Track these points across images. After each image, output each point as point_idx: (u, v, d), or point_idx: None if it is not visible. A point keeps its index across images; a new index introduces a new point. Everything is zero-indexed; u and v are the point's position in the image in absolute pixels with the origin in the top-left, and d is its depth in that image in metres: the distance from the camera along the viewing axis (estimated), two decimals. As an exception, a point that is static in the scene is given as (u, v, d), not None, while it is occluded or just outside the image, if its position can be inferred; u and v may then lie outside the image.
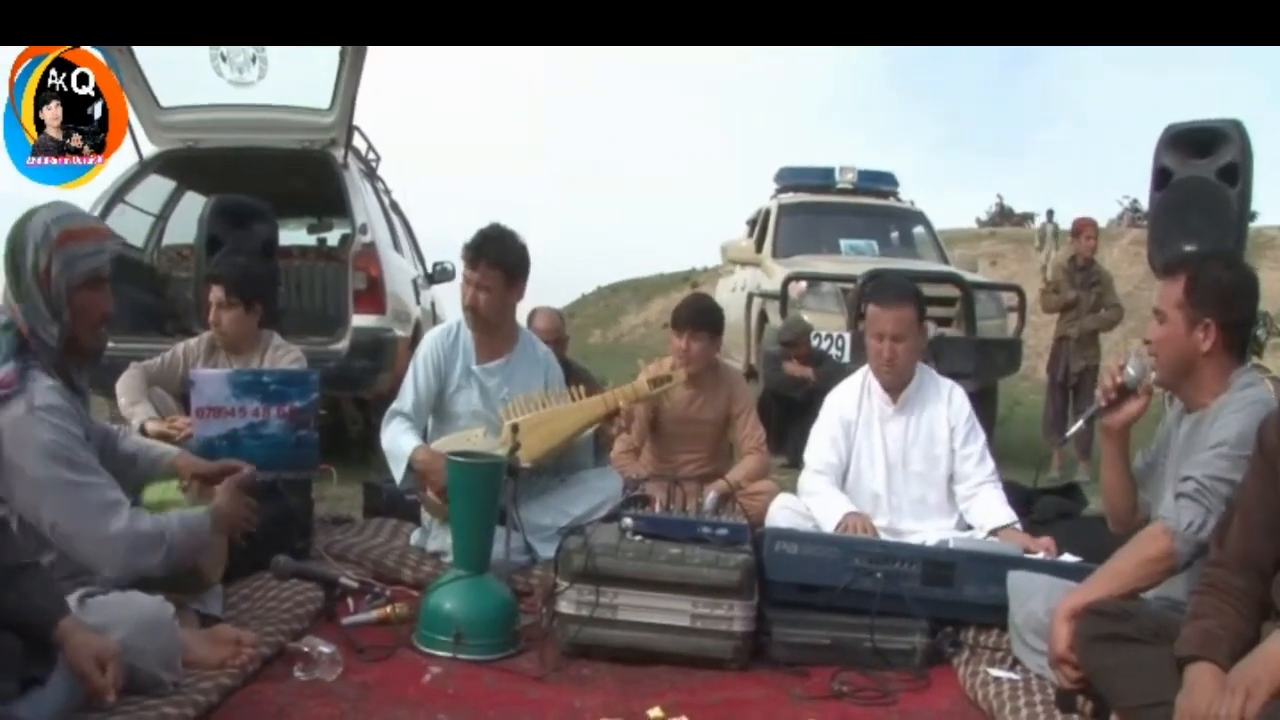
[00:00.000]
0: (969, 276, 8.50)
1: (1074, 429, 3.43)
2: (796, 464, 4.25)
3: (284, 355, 4.40)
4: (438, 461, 3.64)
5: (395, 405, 3.97)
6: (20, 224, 2.56)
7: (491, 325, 3.99)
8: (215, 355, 4.43)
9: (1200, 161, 5.16)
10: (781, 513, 3.75)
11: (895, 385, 3.84)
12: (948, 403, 3.86)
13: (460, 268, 4.04)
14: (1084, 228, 8.02)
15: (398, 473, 3.85)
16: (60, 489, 2.41)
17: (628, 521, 3.20)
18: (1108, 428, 2.88)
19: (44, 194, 4.81)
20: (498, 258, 3.89)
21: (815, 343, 7.49)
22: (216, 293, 4.32)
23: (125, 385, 4.25)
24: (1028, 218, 33.23)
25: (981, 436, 3.87)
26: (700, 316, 4.60)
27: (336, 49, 5.88)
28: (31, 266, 2.50)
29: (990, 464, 3.83)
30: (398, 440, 3.85)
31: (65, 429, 2.45)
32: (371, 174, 7.47)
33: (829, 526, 3.57)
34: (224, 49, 6.03)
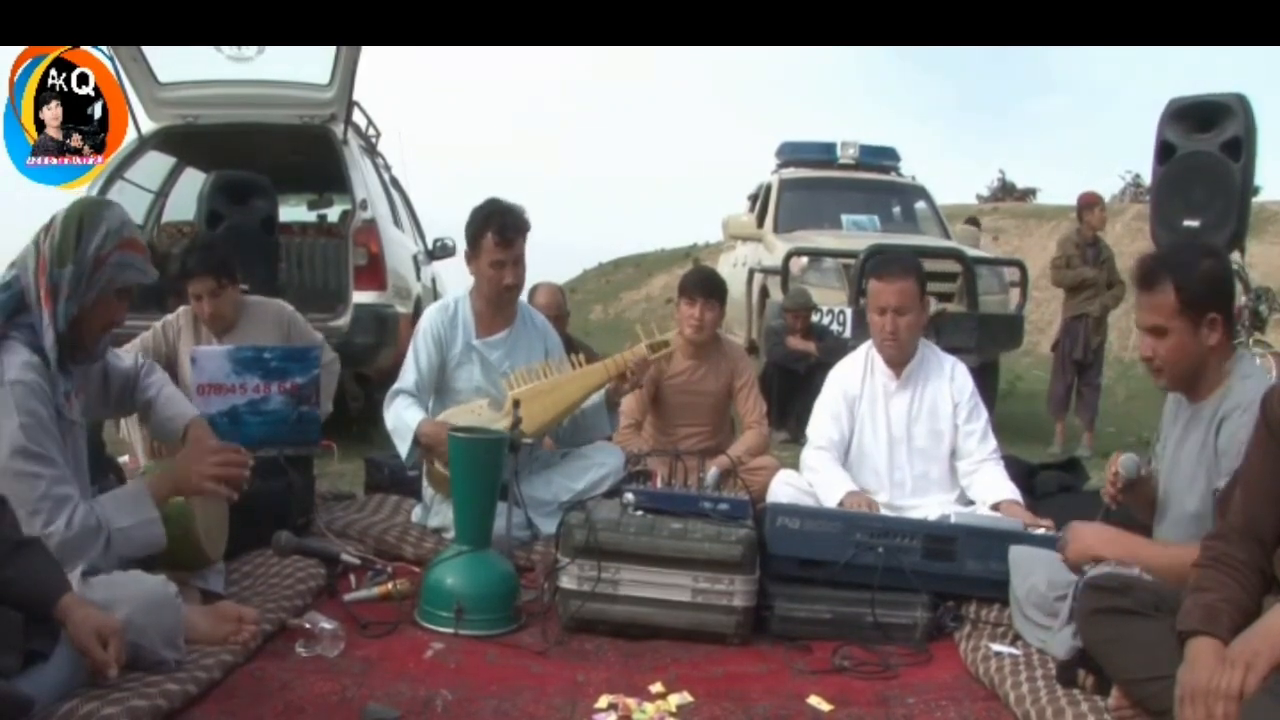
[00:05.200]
0: (971, 251, 8.48)
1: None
2: (798, 439, 4.25)
3: (303, 329, 4.48)
4: (443, 433, 3.62)
5: (397, 384, 3.94)
6: (98, 205, 2.62)
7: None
8: (201, 326, 4.41)
9: (1203, 136, 5.15)
10: (783, 488, 3.75)
11: (898, 360, 3.83)
12: (950, 378, 3.86)
13: (456, 246, 4.01)
14: (1093, 202, 7.91)
15: (403, 448, 3.81)
16: (7, 477, 2.37)
17: (629, 496, 3.20)
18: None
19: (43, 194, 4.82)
20: (524, 226, 3.91)
21: (817, 318, 7.50)
22: (203, 285, 4.24)
23: None
24: (1029, 193, 33.13)
25: (984, 413, 3.87)
26: (713, 286, 4.68)
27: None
28: (96, 246, 2.52)
29: (992, 442, 3.83)
30: (402, 416, 3.82)
31: (32, 409, 2.42)
32: (371, 150, 7.44)
33: (830, 506, 3.56)
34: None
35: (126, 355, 2.99)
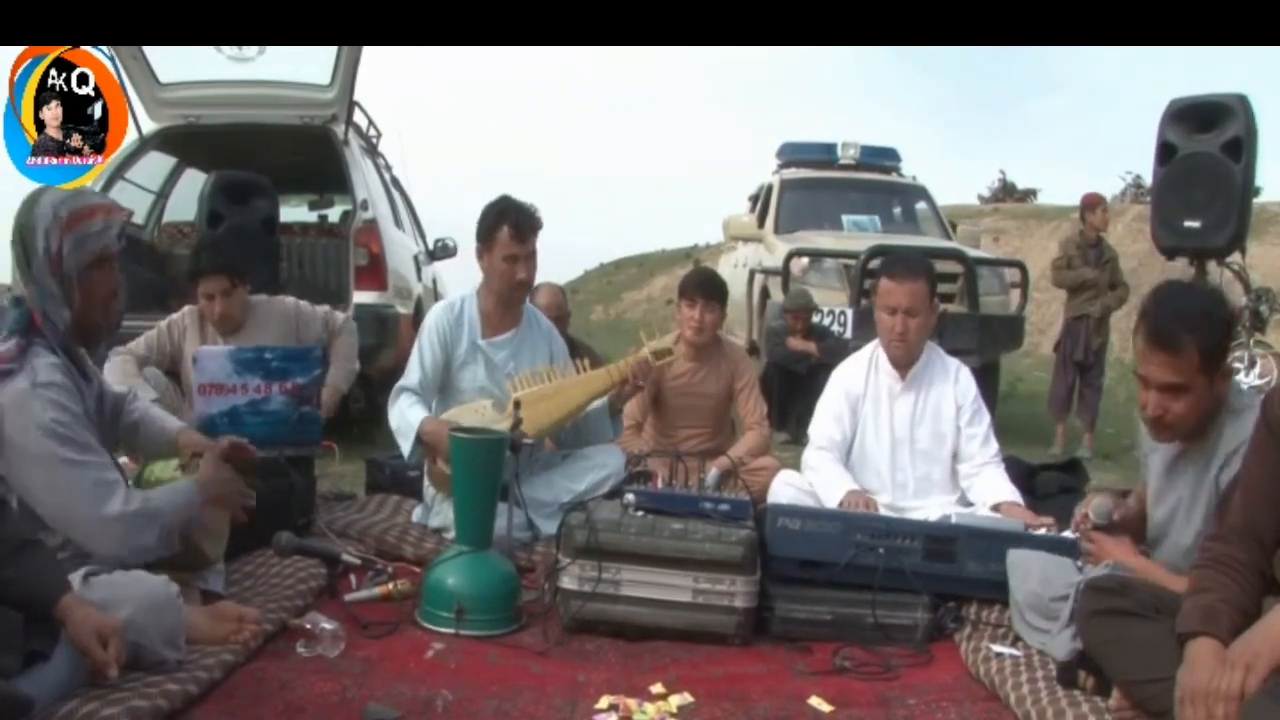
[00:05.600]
0: (972, 252, 8.47)
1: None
2: (799, 440, 4.25)
3: (309, 315, 4.50)
4: (446, 431, 3.62)
5: (401, 382, 3.94)
6: (27, 207, 2.53)
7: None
8: (206, 326, 4.41)
9: (1204, 136, 5.15)
10: (784, 489, 3.75)
11: (904, 361, 3.83)
12: (955, 381, 3.85)
13: (457, 247, 4.02)
14: (1096, 202, 7.89)
15: (405, 447, 3.82)
16: (57, 467, 2.40)
17: (630, 497, 3.20)
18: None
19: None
20: (538, 224, 3.93)
21: (817, 319, 7.50)
22: (215, 284, 4.27)
23: (113, 374, 4.12)
24: (1030, 193, 33.15)
25: (987, 417, 3.86)
26: (714, 288, 4.68)
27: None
28: (43, 251, 2.48)
29: (994, 446, 3.82)
30: (405, 414, 3.82)
31: (66, 406, 2.43)
32: (372, 150, 7.44)
33: (831, 505, 3.56)
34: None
35: (118, 385, 3.02)
